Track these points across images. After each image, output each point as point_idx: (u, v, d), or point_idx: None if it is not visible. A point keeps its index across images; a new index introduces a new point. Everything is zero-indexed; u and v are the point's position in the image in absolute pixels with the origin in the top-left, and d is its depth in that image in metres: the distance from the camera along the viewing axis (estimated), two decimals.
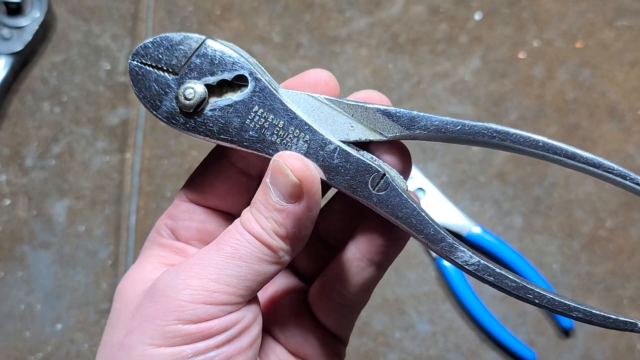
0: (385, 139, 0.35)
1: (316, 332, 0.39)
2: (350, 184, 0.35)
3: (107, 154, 0.73)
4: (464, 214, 0.71)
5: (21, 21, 0.74)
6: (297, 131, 0.35)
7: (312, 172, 0.33)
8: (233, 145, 0.35)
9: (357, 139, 0.35)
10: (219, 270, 0.32)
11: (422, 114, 0.35)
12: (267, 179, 0.33)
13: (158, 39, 0.35)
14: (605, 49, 0.76)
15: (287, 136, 0.35)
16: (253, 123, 0.35)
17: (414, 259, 0.72)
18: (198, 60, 0.35)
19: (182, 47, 0.35)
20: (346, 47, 0.77)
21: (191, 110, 0.35)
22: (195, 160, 0.73)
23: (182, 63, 0.35)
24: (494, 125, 0.35)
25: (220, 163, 0.37)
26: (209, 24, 0.77)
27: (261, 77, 0.35)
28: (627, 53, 0.76)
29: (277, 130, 0.35)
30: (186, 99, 0.34)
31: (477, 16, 0.77)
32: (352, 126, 0.35)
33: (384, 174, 0.35)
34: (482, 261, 0.34)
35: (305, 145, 0.35)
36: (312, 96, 0.35)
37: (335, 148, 0.35)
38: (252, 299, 0.34)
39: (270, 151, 0.35)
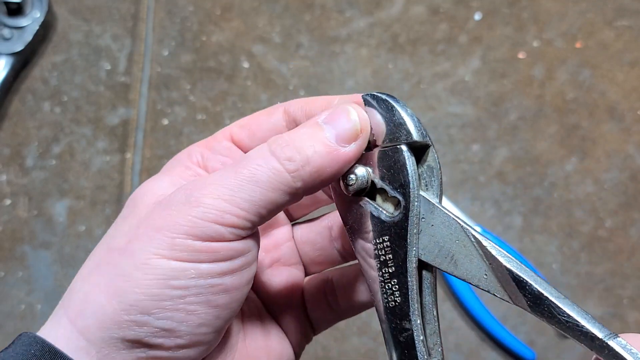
0: (513, 304, 0.32)
1: (301, 313, 0.40)
2: (394, 351, 0.34)
3: (107, 154, 0.73)
4: (464, 214, 0.71)
5: (22, 21, 0.74)
6: (396, 287, 0.34)
7: (369, 128, 0.34)
8: (351, 237, 0.35)
9: (488, 289, 0.33)
10: (233, 192, 0.32)
11: (550, 298, 0.31)
12: (319, 119, 0.33)
13: (389, 103, 0.34)
14: (605, 49, 0.76)
15: (386, 283, 0.34)
16: (376, 247, 0.34)
17: None
18: (384, 156, 0.34)
19: (394, 130, 0.34)
20: (346, 47, 0.77)
21: (345, 193, 0.35)
22: None
23: (378, 144, 0.34)
24: (620, 345, 0.30)
25: (275, 116, 0.37)
26: (209, 24, 0.77)
27: (409, 219, 0.33)
28: (627, 53, 0.76)
29: (384, 270, 0.34)
30: (346, 183, 0.34)
31: (477, 16, 0.78)
32: (486, 275, 0.33)
33: None
34: None
35: (392, 304, 0.34)
36: (463, 228, 0.33)
37: (409, 329, 0.34)
38: (257, 238, 0.34)
39: (366, 277, 0.35)
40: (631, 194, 0.73)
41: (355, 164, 0.34)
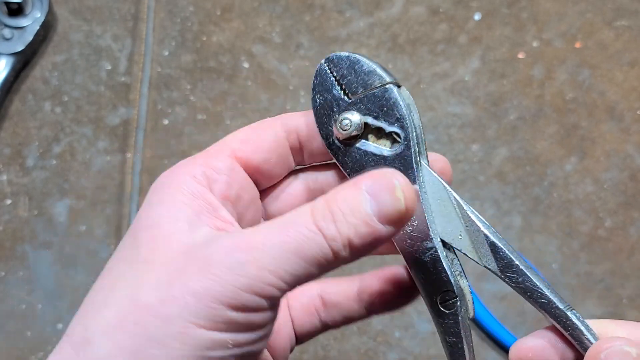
0: (481, 265, 0.35)
1: (289, 330, 0.40)
2: (423, 281, 0.36)
3: (108, 154, 0.74)
4: None
5: (22, 21, 0.74)
6: None
7: (415, 206, 0.32)
8: None
9: (459, 249, 0.36)
10: (278, 264, 0.30)
11: (520, 266, 0.35)
12: (363, 185, 0.31)
13: (353, 58, 0.36)
14: (604, 49, 0.77)
15: None
16: None
17: None
18: (372, 98, 0.36)
19: (366, 78, 0.36)
20: (346, 47, 0.77)
21: (341, 139, 0.36)
22: None
23: (359, 92, 0.36)
24: (575, 316, 0.34)
25: (275, 128, 0.37)
26: (209, 24, 0.77)
27: (411, 147, 0.36)
28: (626, 53, 0.76)
29: None
30: (342, 128, 0.36)
31: (477, 16, 0.78)
32: (460, 235, 0.36)
33: (456, 298, 0.35)
34: None
35: (410, 229, 0.36)
36: (446, 189, 0.36)
37: (432, 248, 0.35)
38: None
39: None
40: (631, 193, 0.73)
41: (345, 111, 0.36)
